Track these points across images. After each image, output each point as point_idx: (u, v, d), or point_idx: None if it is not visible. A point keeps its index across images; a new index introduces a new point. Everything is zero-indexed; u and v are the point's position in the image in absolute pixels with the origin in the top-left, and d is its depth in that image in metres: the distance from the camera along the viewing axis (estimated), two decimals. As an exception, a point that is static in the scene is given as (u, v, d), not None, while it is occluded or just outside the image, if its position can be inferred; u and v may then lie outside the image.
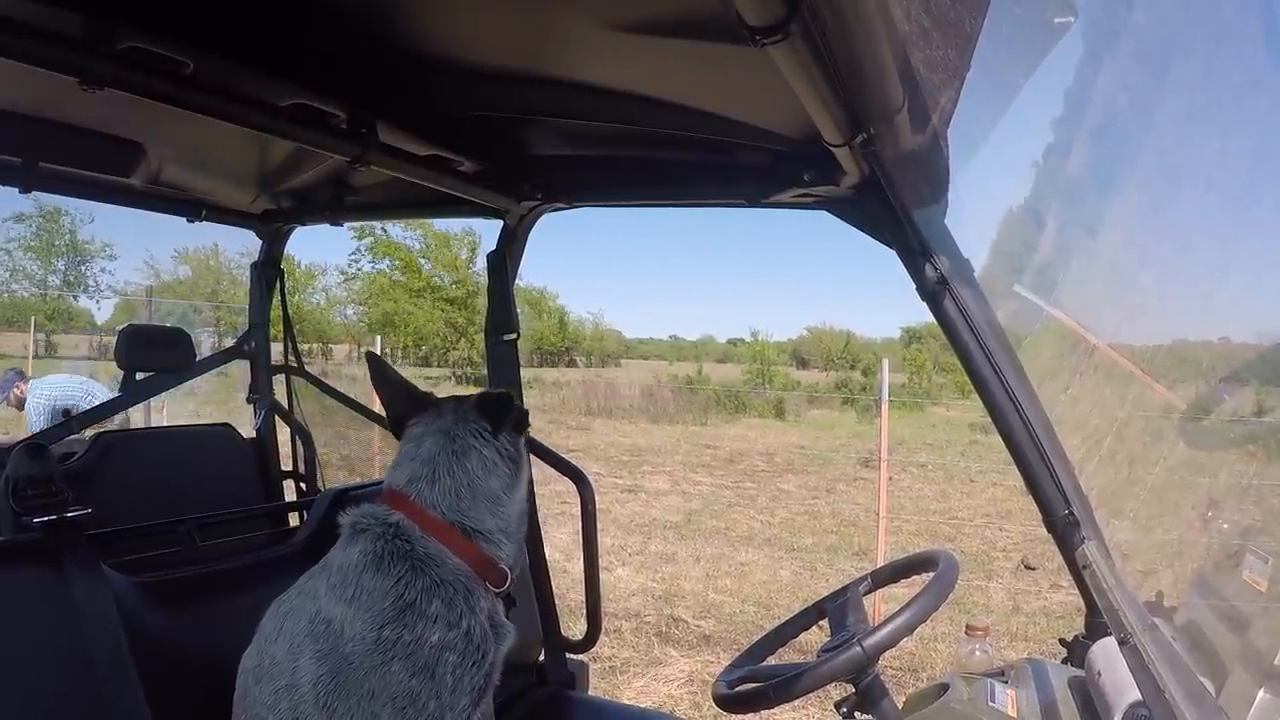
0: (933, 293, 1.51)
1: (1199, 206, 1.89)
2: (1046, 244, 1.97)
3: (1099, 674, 1.42)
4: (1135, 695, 1.22)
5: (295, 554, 1.84)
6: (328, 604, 1.29)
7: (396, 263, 29.64)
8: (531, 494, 1.70)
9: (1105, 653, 1.43)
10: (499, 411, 1.46)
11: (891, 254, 1.58)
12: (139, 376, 2.43)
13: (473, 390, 1.84)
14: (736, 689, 1.47)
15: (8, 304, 26.96)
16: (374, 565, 1.29)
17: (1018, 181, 1.90)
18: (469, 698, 1.28)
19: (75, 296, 29.48)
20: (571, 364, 41.93)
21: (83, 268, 29.28)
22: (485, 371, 2.50)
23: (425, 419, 1.46)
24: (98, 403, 6.85)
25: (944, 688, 1.55)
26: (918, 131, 1.26)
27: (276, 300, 2.76)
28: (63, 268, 29.09)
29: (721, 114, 1.54)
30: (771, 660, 1.66)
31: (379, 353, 10.62)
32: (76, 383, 6.37)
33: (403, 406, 1.51)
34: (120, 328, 2.70)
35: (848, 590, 1.60)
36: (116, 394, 2.44)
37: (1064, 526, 1.47)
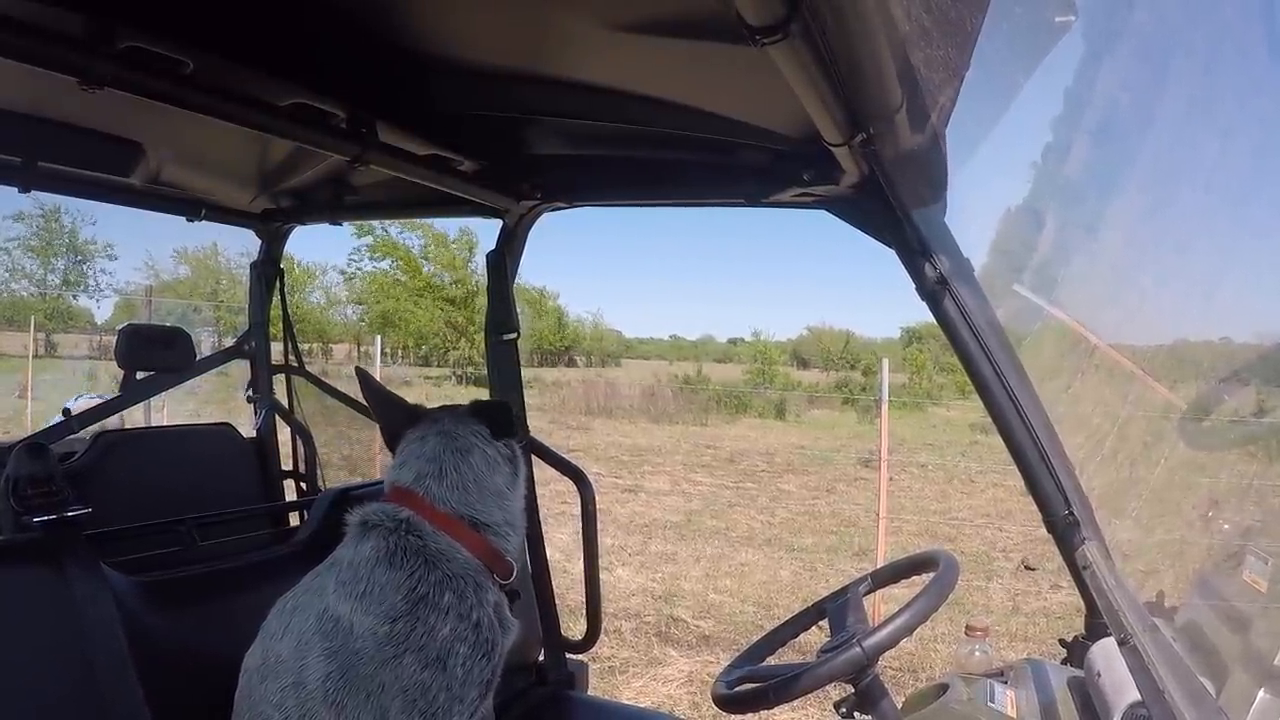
0: (933, 293, 1.51)
1: (1199, 206, 1.89)
2: (1046, 243, 1.97)
3: (1098, 674, 1.42)
4: (1135, 696, 1.22)
5: (296, 554, 1.83)
6: (336, 600, 1.30)
7: (398, 263, 29.61)
8: (532, 493, 1.71)
9: (1105, 653, 1.43)
10: (493, 417, 1.52)
11: (891, 254, 1.58)
12: (139, 376, 2.44)
13: (474, 390, 1.86)
14: (736, 689, 1.47)
15: (7, 303, 26.95)
16: (386, 560, 1.31)
17: (1018, 181, 1.90)
18: (477, 690, 1.30)
19: (75, 296, 29.49)
20: (571, 364, 41.94)
21: (83, 267, 29.29)
22: (485, 371, 2.50)
23: (424, 424, 1.50)
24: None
25: (943, 688, 1.55)
26: (917, 131, 1.25)
27: (276, 300, 2.76)
28: (62, 267, 29.10)
29: (721, 114, 1.54)
30: (771, 660, 1.66)
31: (380, 352, 10.58)
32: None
33: (396, 418, 1.55)
34: (120, 327, 2.70)
35: (848, 590, 1.60)
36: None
37: (1064, 527, 1.47)
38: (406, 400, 1.61)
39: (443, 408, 1.57)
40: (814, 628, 1.68)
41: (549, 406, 19.75)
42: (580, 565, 2.35)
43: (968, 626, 1.76)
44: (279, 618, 1.36)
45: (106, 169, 2.03)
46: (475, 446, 1.46)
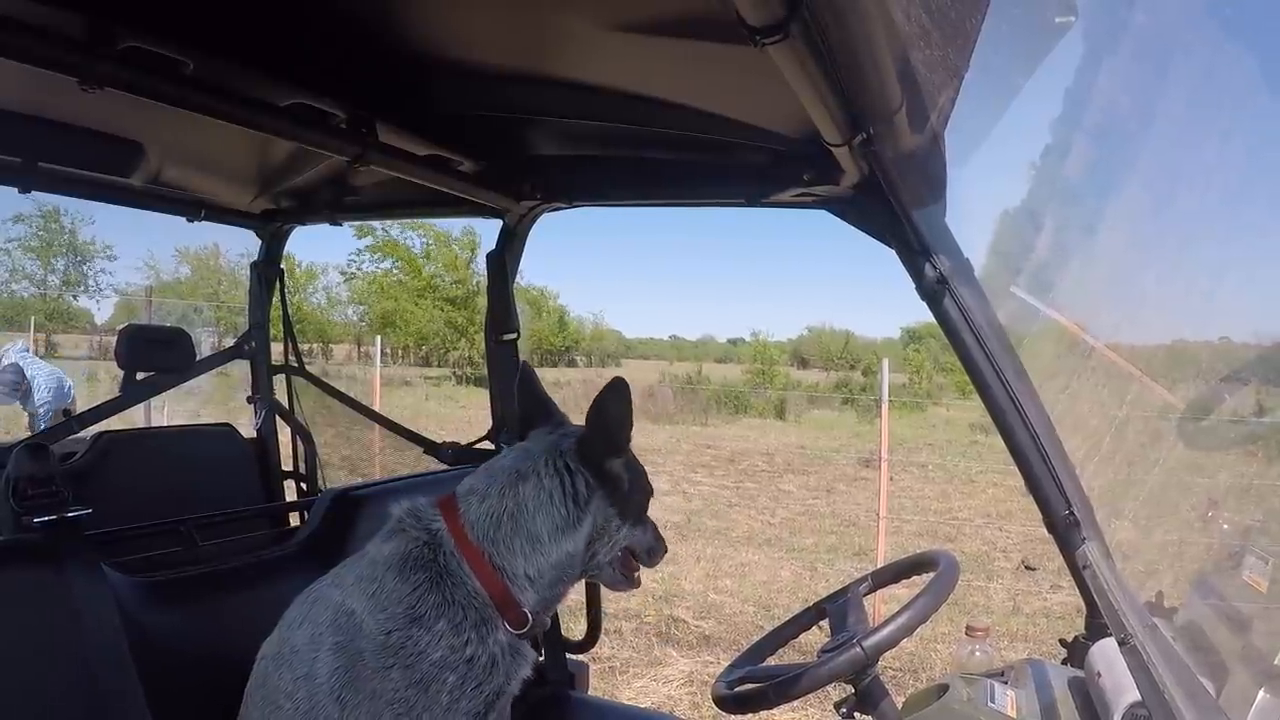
0: (933, 293, 1.51)
1: (1199, 206, 1.89)
2: (1046, 244, 1.97)
3: (1099, 674, 1.42)
4: (1135, 696, 1.22)
5: (296, 554, 1.84)
6: (352, 594, 1.29)
7: (398, 263, 29.60)
8: None
9: (1105, 653, 1.43)
10: (597, 437, 1.36)
11: (891, 254, 1.58)
12: (139, 376, 2.44)
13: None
14: (736, 689, 1.47)
15: (7, 304, 26.93)
16: (399, 566, 1.28)
17: (1017, 181, 1.90)
18: (466, 718, 1.27)
19: (75, 296, 29.45)
20: (572, 364, 41.92)
21: (83, 267, 29.23)
22: (485, 371, 2.50)
23: (538, 431, 1.42)
24: (66, 387, 7.44)
25: (944, 688, 1.55)
26: (917, 131, 1.25)
27: (276, 300, 2.76)
28: (62, 267, 29.05)
29: (721, 114, 1.54)
30: (772, 660, 1.66)
31: (380, 353, 10.55)
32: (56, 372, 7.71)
33: (533, 416, 1.48)
34: (120, 327, 2.71)
35: (848, 590, 1.60)
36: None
37: (1064, 527, 1.47)
38: (553, 403, 1.50)
39: (576, 426, 1.43)
40: (814, 628, 1.68)
41: (549, 407, 19.73)
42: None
43: (968, 627, 1.76)
44: (299, 607, 1.35)
45: (106, 169, 2.03)
46: (535, 473, 1.32)
